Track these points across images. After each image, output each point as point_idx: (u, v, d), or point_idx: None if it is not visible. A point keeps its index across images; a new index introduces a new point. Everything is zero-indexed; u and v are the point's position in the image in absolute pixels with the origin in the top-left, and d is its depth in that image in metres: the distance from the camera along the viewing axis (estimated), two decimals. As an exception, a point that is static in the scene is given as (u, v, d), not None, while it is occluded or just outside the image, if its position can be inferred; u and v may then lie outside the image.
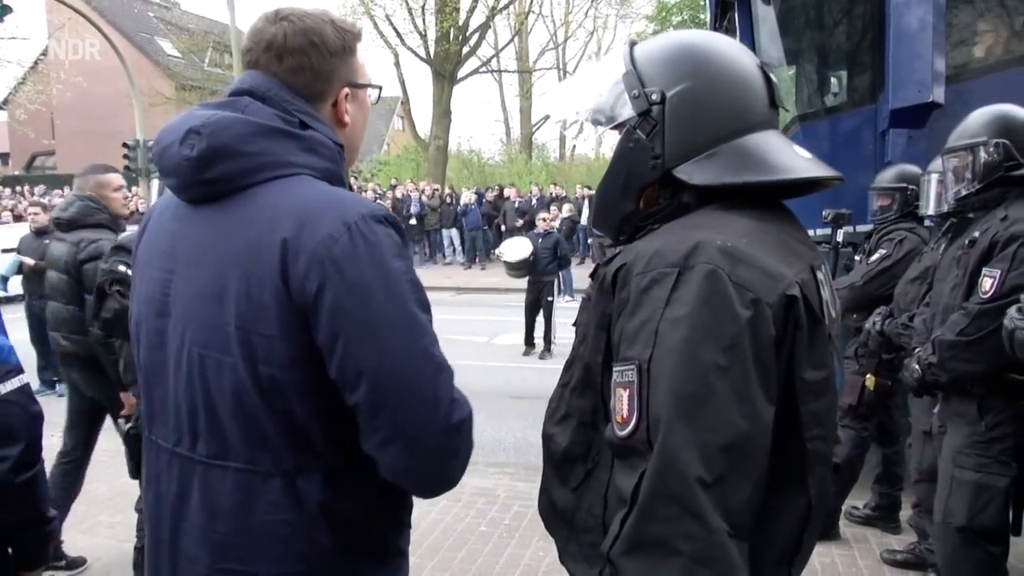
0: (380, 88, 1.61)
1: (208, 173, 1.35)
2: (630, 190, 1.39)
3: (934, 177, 3.77)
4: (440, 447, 1.34)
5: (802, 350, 1.21)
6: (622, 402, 1.17)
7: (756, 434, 1.13)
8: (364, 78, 1.55)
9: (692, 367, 1.11)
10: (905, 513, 4.35)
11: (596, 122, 1.45)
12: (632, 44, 1.44)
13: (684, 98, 1.33)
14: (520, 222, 19.60)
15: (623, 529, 1.12)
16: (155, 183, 3.82)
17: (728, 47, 1.39)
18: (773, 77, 1.39)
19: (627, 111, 1.37)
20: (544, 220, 10.88)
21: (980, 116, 3.05)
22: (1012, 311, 2.46)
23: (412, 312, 1.33)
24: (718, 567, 1.07)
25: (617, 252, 1.34)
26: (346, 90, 1.50)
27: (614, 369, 1.21)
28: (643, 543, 1.09)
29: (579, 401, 1.38)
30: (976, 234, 2.99)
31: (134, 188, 23.67)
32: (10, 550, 1.86)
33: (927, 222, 4.14)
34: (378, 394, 1.29)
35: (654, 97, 1.34)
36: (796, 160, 1.34)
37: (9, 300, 10.63)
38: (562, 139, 39.43)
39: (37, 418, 1.78)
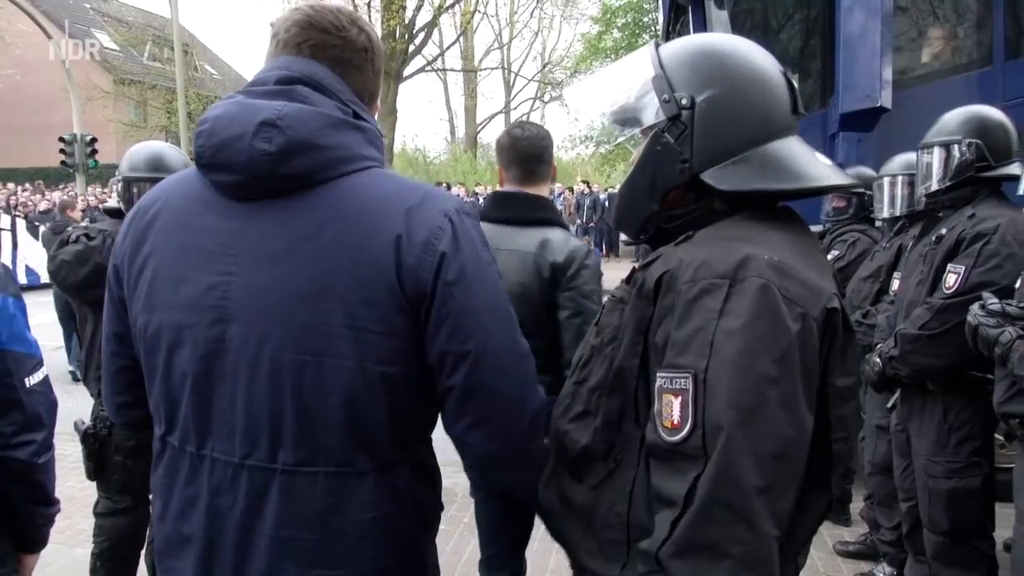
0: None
1: (286, 168, 1.29)
2: (656, 192, 1.40)
3: (886, 181, 3.88)
4: (526, 430, 1.39)
5: (836, 358, 1.25)
6: (672, 408, 1.18)
7: (801, 442, 1.17)
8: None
9: (748, 378, 1.14)
10: (857, 505, 4.45)
11: (623, 124, 1.46)
12: (657, 46, 1.45)
13: (713, 103, 1.35)
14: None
15: (674, 531, 1.13)
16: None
17: (754, 53, 1.41)
18: (795, 83, 1.42)
19: (656, 115, 1.38)
20: None
21: (956, 115, 3.09)
22: (975, 307, 2.52)
23: (505, 299, 1.38)
24: (763, 570, 1.11)
25: (655, 257, 1.36)
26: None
27: (659, 375, 1.22)
28: (696, 546, 1.11)
29: (604, 401, 1.38)
30: (943, 231, 3.04)
31: (63, 184, 23.07)
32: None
33: (877, 223, 4.26)
34: (477, 376, 1.33)
35: (684, 102, 1.35)
36: (820, 168, 1.38)
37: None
38: (507, 139, 39.43)
39: (55, 405, 1.97)
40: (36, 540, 2.05)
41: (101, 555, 3.27)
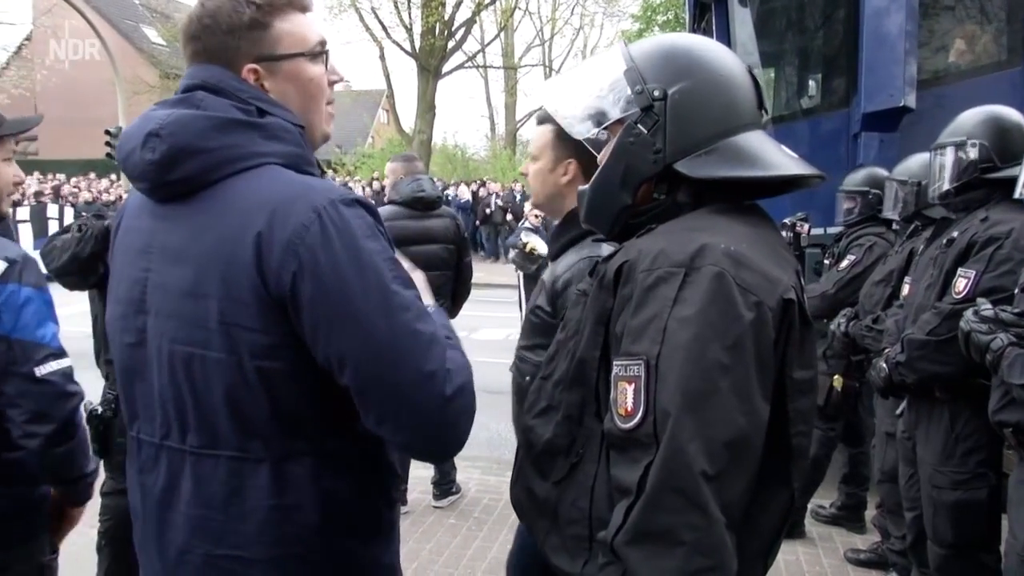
0: (325, 51, 1.50)
1: (172, 174, 1.35)
2: (628, 184, 1.41)
3: (895, 182, 3.80)
4: (436, 419, 1.33)
5: (793, 351, 1.26)
6: (626, 396, 1.20)
7: (754, 431, 1.18)
8: (289, 47, 1.44)
9: (699, 364, 1.16)
10: (870, 513, 4.40)
11: (596, 118, 1.47)
12: (627, 44, 1.47)
13: (684, 95, 1.37)
14: (510, 216, 19.89)
15: (627, 519, 1.15)
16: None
17: (719, 50, 1.45)
18: (760, 81, 1.45)
19: (628, 107, 1.40)
20: (537, 216, 10.99)
21: (968, 115, 3.02)
22: (968, 314, 2.46)
23: (392, 290, 1.32)
24: (716, 557, 1.12)
25: (617, 249, 1.38)
26: (251, 67, 1.42)
27: (615, 363, 1.24)
28: (649, 532, 1.13)
29: (566, 395, 1.41)
30: (955, 234, 2.97)
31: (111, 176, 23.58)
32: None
33: (894, 225, 4.18)
34: (365, 377, 1.30)
35: (656, 93, 1.37)
36: (785, 158, 1.40)
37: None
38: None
39: (71, 397, 1.96)
40: (78, 501, 2.14)
41: (106, 533, 3.37)
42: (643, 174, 1.40)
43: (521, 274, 10.45)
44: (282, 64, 1.45)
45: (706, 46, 1.44)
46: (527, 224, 10.73)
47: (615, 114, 1.42)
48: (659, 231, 1.34)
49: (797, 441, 1.30)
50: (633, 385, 1.19)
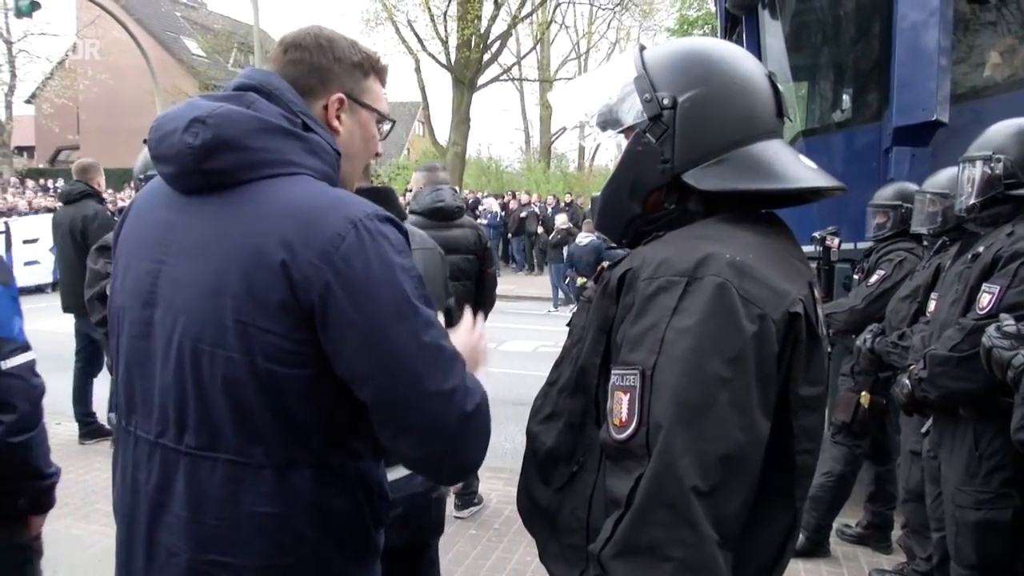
0: (392, 122, 1.65)
1: (209, 164, 1.35)
2: (637, 193, 1.39)
3: (927, 195, 3.75)
4: (453, 437, 1.35)
5: (799, 366, 1.22)
6: (621, 406, 1.18)
7: (752, 447, 1.15)
8: (372, 102, 1.58)
9: (696, 377, 1.13)
10: (896, 533, 4.31)
11: (605, 125, 1.46)
12: (642, 48, 1.45)
13: (695, 104, 1.33)
14: (541, 229, 19.97)
15: (616, 532, 1.13)
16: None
17: (738, 55, 1.40)
18: (780, 87, 1.41)
19: (637, 115, 1.38)
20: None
21: (997, 128, 2.97)
22: (991, 330, 2.42)
23: (416, 307, 1.34)
24: (706, 574, 1.09)
25: (622, 257, 1.36)
26: (341, 96, 1.52)
27: (613, 372, 1.22)
28: (635, 547, 1.11)
29: (569, 402, 1.39)
30: (980, 249, 2.92)
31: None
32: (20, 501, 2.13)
33: (924, 240, 4.12)
34: (387, 392, 1.32)
35: (665, 102, 1.34)
36: (802, 170, 1.36)
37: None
38: (581, 149, 39.51)
39: (34, 390, 2.03)
40: (36, 504, 2.16)
41: None
42: (651, 184, 1.37)
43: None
44: (361, 110, 1.57)
45: (725, 51, 1.40)
46: (590, 237, 10.74)
47: (627, 121, 1.40)
48: (666, 239, 1.32)
49: (802, 459, 1.26)
50: (628, 395, 1.17)
